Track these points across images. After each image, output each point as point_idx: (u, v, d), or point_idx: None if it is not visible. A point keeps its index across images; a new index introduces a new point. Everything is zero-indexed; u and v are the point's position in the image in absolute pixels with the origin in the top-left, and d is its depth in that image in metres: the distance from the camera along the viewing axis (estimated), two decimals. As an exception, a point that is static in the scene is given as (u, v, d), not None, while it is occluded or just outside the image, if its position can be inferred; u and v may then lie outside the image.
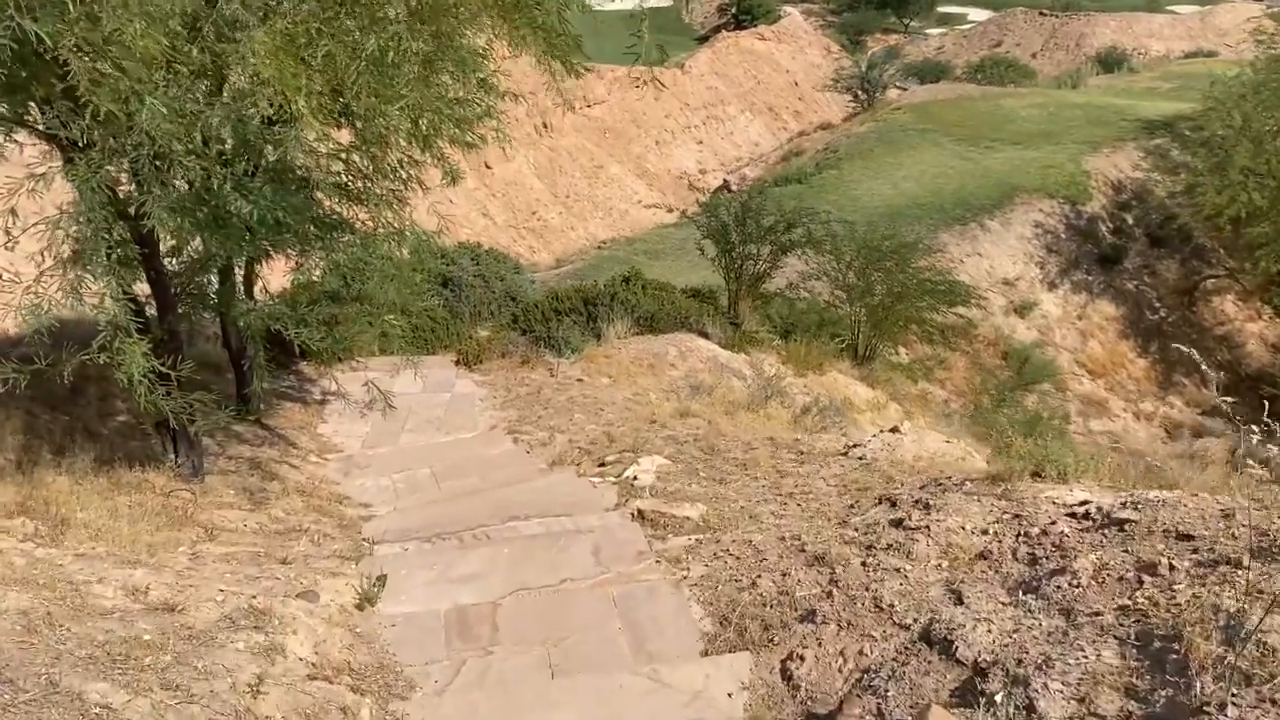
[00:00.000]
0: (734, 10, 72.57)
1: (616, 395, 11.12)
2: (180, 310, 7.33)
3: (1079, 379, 21.36)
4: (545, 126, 50.35)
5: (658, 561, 5.14)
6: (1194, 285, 24.48)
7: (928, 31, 75.05)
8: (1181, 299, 24.15)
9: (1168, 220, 25.26)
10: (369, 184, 8.89)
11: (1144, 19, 67.85)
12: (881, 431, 7.08)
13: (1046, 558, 4.00)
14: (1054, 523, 4.23)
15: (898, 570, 4.35)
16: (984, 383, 18.82)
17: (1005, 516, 4.49)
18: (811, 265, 16.55)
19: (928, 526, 4.59)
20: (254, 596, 4.45)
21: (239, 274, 9.40)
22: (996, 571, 4.11)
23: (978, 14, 77.25)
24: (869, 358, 16.87)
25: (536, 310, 13.81)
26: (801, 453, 7.43)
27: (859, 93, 34.14)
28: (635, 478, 7.10)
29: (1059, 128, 28.41)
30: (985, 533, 4.41)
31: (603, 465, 8.13)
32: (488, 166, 45.75)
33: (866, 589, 4.30)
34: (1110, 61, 48.93)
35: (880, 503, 5.48)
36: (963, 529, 4.49)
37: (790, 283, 15.81)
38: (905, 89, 40.17)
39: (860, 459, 6.81)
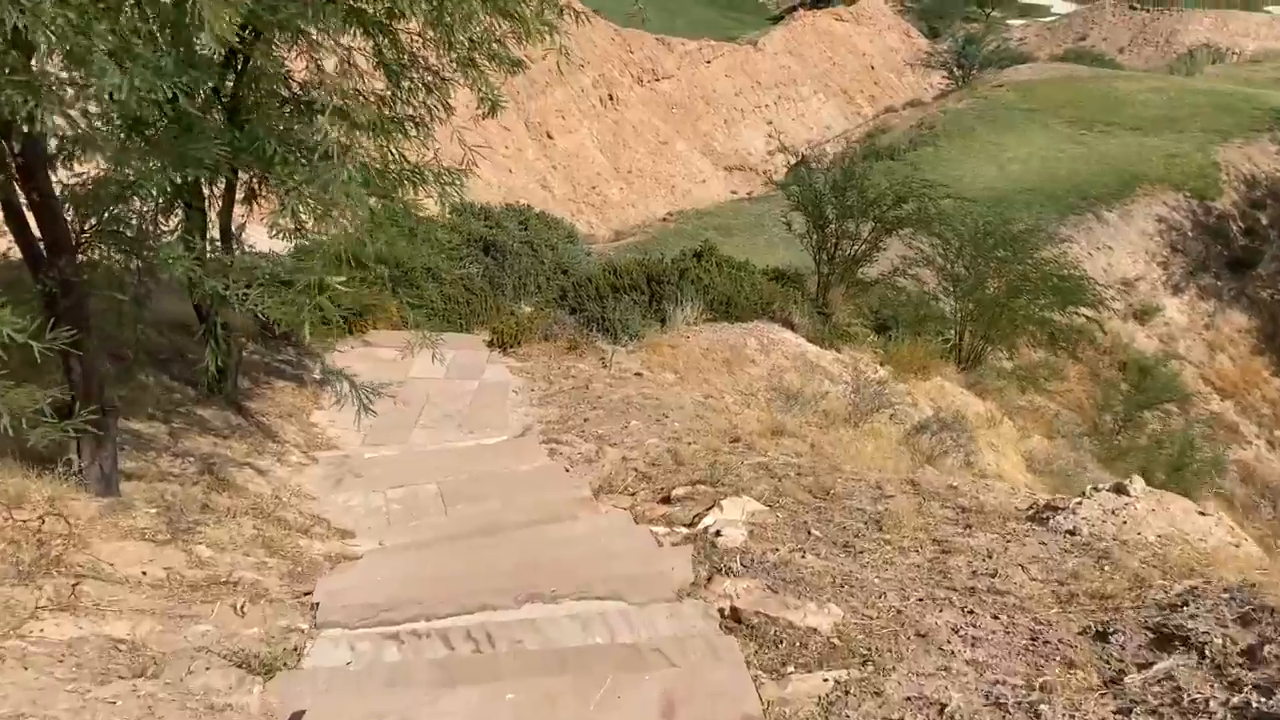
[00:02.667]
0: (813, -11, 69.30)
1: (684, 397, 8.84)
2: (85, 253, 5.17)
3: (1205, 398, 18.61)
4: (611, 99, 48.23)
5: (779, 737, 2.86)
6: (1337, 298, 21.49)
7: (1009, 22, 71.18)
8: (1323, 313, 21.20)
9: (1309, 223, 22.28)
10: (384, 107, 6.77)
11: (1240, 17, 64.03)
12: (1095, 489, 4.73)
13: None
14: None
15: None
16: (1106, 398, 16.18)
17: None
18: (914, 250, 14.09)
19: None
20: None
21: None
22: None
23: (1062, 6, 73.55)
24: (975, 361, 14.39)
25: (590, 285, 11.56)
26: (964, 509, 5.08)
27: (954, 69, 31.29)
28: (718, 532, 4.83)
29: (1182, 114, 25.41)
30: None
31: (668, 502, 5.87)
32: (550, 137, 43.93)
33: None
34: (1205, 58, 45.12)
35: (1167, 643, 3.13)
36: None
37: (895, 267, 13.34)
38: (984, 78, 37.05)
39: (1071, 534, 4.45)
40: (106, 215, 5.13)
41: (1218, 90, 28.25)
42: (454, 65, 6.56)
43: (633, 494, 6.29)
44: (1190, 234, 21.11)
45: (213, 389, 7.73)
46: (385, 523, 6.25)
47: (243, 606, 4.35)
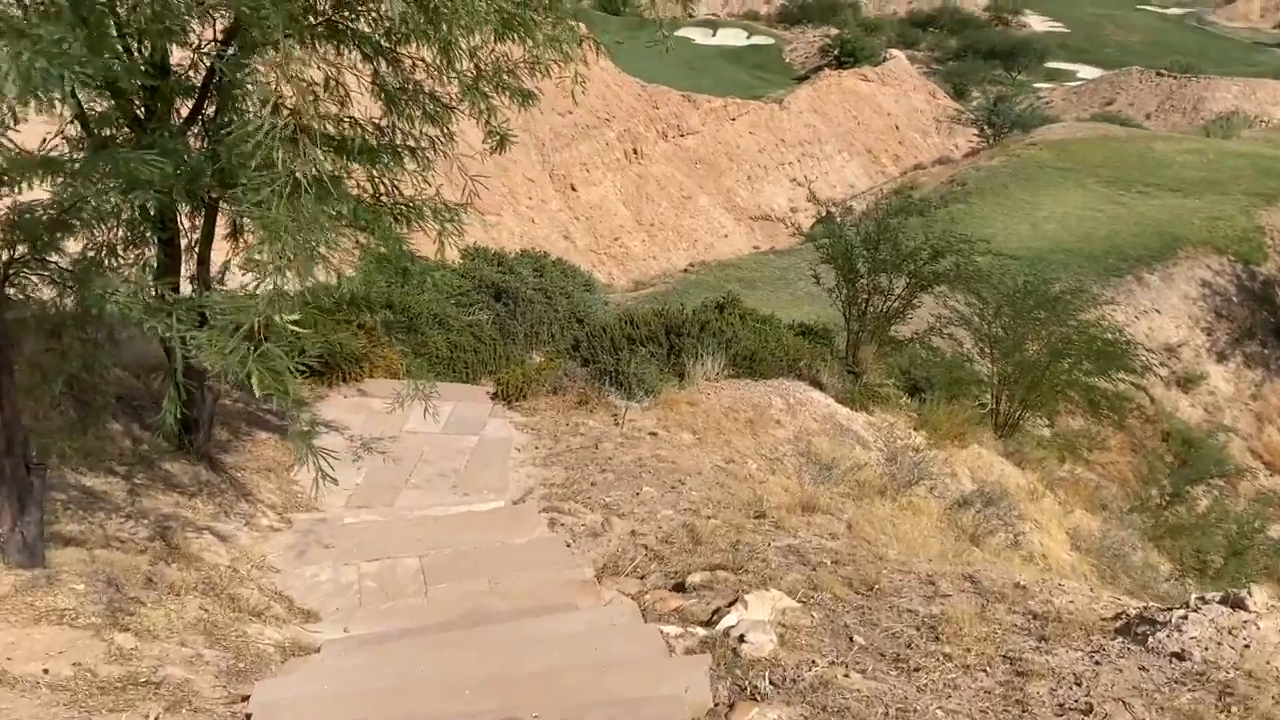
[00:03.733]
0: (837, 51, 69.45)
1: (703, 461, 8.03)
2: (14, 286, 4.47)
3: (1253, 472, 17.57)
4: (635, 152, 48.21)
5: None
6: (1390, 370, 20.46)
7: (1035, 86, 70.87)
8: (1375, 385, 20.16)
9: (1358, 291, 21.33)
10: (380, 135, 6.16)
11: (1269, 85, 63.54)
12: (1202, 600, 3.88)
13: None
14: None
15: None
16: (1151, 471, 15.20)
17: None
18: (949, 309, 13.31)
19: None
20: None
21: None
22: None
23: (1088, 71, 73.35)
24: (1013, 428, 13.50)
25: (604, 336, 10.80)
26: (1035, 615, 4.23)
27: (985, 127, 30.76)
28: (742, 637, 4.01)
29: (1223, 177, 24.64)
30: None
31: (682, 590, 5.05)
32: (573, 189, 43.92)
33: None
34: (1236, 125, 44.19)
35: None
36: None
37: (930, 326, 12.55)
38: (1015, 136, 36.50)
39: (1178, 658, 3.59)
40: (39, 244, 4.43)
41: (1260, 154, 27.49)
42: (459, 94, 5.94)
43: (641, 577, 5.48)
44: (1235, 299, 20.23)
45: (182, 442, 6.98)
46: (356, 603, 5.47)
47: (158, 719, 3.56)
